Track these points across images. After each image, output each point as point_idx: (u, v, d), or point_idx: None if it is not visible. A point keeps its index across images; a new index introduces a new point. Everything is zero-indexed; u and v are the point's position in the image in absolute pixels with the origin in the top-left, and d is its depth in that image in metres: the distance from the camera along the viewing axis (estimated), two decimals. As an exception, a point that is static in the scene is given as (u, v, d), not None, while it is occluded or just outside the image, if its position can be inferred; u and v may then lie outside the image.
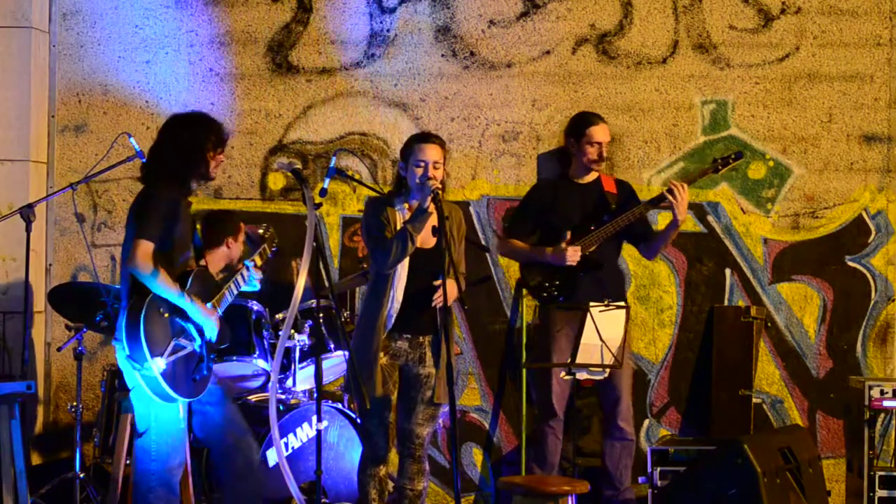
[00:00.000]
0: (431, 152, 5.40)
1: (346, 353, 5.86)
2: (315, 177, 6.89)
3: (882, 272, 6.80)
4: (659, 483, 6.38)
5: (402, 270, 5.41)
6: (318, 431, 5.09)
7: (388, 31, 6.93)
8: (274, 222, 6.54)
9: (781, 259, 6.83)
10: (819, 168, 6.83)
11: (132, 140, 5.85)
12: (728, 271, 6.84)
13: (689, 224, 6.64)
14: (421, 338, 5.48)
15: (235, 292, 5.43)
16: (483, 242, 6.86)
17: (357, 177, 6.69)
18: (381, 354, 5.41)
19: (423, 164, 5.38)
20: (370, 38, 6.94)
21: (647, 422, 6.84)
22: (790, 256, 6.83)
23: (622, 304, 5.77)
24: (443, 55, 6.91)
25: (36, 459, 6.85)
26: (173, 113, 5.54)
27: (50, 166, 7.03)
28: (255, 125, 6.98)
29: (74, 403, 6.20)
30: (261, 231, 5.83)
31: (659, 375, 6.86)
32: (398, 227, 5.40)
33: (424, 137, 5.50)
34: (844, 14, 6.79)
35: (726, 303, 6.82)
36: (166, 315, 5.08)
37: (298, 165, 6.79)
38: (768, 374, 6.83)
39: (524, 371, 6.68)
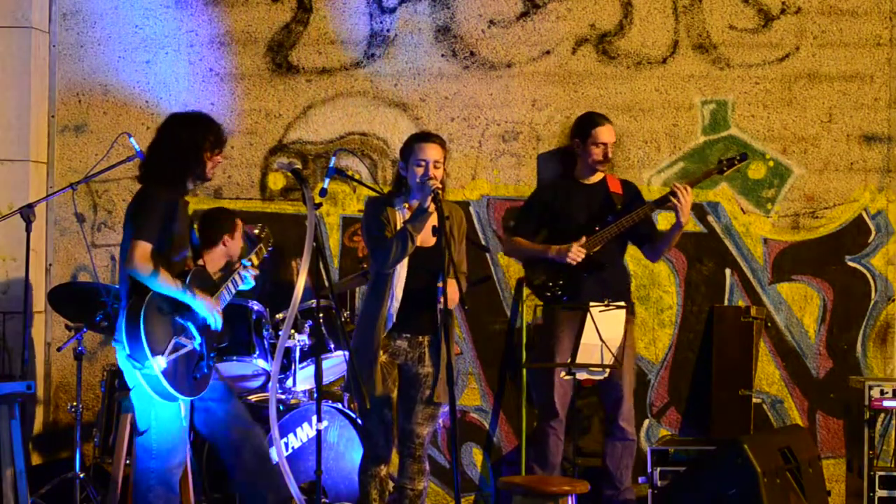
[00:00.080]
0: (432, 151, 5.39)
1: (346, 353, 5.86)
2: (315, 177, 6.89)
3: (882, 272, 6.80)
4: (659, 483, 6.38)
5: (402, 269, 5.41)
6: (318, 431, 5.09)
7: (388, 31, 6.93)
8: (274, 222, 6.56)
9: (781, 259, 6.83)
10: (819, 168, 6.83)
11: (132, 140, 5.84)
12: (728, 271, 6.85)
13: (690, 224, 6.62)
14: (420, 337, 5.47)
15: (233, 291, 5.43)
16: (483, 242, 6.86)
17: (357, 177, 6.69)
18: (381, 353, 5.42)
19: (423, 163, 5.38)
20: (370, 38, 6.94)
21: (647, 422, 6.84)
22: (790, 256, 6.83)
23: (622, 304, 5.76)
24: (443, 55, 6.91)
25: (36, 459, 6.85)
26: (173, 112, 5.54)
27: (50, 166, 7.03)
28: (255, 125, 6.98)
29: (74, 403, 6.20)
30: (256, 231, 5.84)
31: (659, 375, 6.86)
32: (398, 227, 5.39)
33: (425, 137, 5.50)
34: (844, 14, 6.80)
35: (726, 303, 6.82)
36: (166, 314, 5.08)
37: (298, 165, 6.80)
38: (768, 374, 6.83)
39: (524, 371, 6.69)
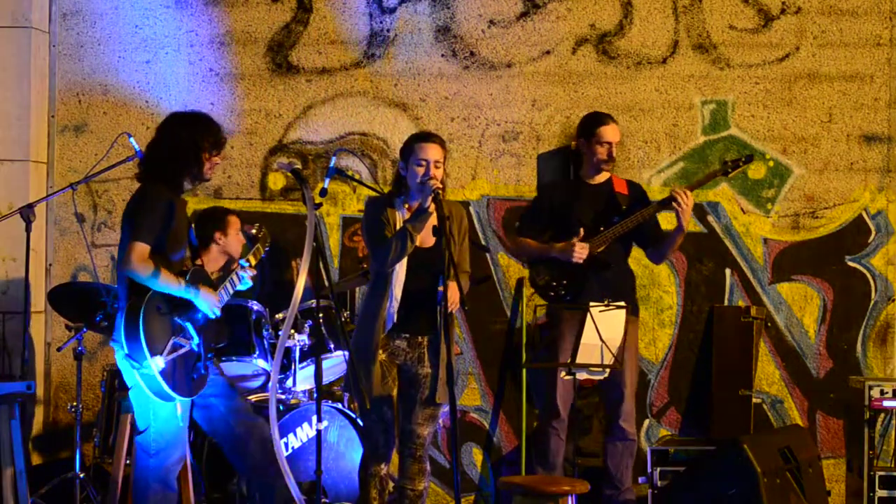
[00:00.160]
0: (432, 151, 5.39)
1: (346, 353, 5.86)
2: (315, 177, 6.89)
3: (882, 272, 6.80)
4: (659, 483, 6.38)
5: (401, 270, 5.41)
6: (318, 431, 5.08)
7: (388, 31, 6.93)
8: (274, 222, 6.57)
9: (781, 259, 6.83)
10: (819, 168, 6.83)
11: (132, 140, 5.84)
12: (728, 271, 6.84)
13: (690, 224, 6.63)
14: (419, 338, 5.47)
15: (231, 292, 5.42)
16: (483, 242, 6.86)
17: (357, 177, 6.69)
18: (380, 352, 5.42)
19: (423, 163, 5.37)
20: (370, 38, 6.94)
21: (647, 422, 6.84)
22: (790, 256, 6.83)
23: (622, 304, 5.75)
24: (443, 55, 6.91)
25: (36, 459, 6.85)
26: (172, 111, 5.54)
27: (50, 166, 7.03)
28: (255, 125, 6.98)
29: (74, 403, 6.20)
30: (254, 230, 5.83)
31: (659, 375, 6.86)
32: (398, 227, 5.39)
33: (425, 136, 5.50)
34: (844, 14, 6.79)
35: (726, 303, 6.82)
36: (165, 314, 5.08)
37: (298, 165, 6.78)
38: (768, 374, 6.83)
39: (524, 371, 6.69)
